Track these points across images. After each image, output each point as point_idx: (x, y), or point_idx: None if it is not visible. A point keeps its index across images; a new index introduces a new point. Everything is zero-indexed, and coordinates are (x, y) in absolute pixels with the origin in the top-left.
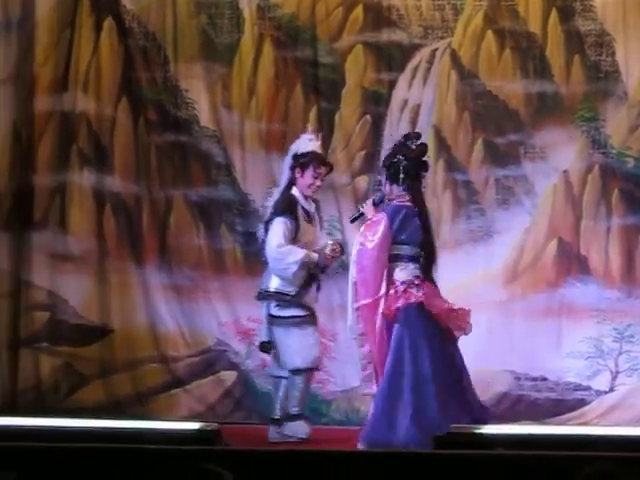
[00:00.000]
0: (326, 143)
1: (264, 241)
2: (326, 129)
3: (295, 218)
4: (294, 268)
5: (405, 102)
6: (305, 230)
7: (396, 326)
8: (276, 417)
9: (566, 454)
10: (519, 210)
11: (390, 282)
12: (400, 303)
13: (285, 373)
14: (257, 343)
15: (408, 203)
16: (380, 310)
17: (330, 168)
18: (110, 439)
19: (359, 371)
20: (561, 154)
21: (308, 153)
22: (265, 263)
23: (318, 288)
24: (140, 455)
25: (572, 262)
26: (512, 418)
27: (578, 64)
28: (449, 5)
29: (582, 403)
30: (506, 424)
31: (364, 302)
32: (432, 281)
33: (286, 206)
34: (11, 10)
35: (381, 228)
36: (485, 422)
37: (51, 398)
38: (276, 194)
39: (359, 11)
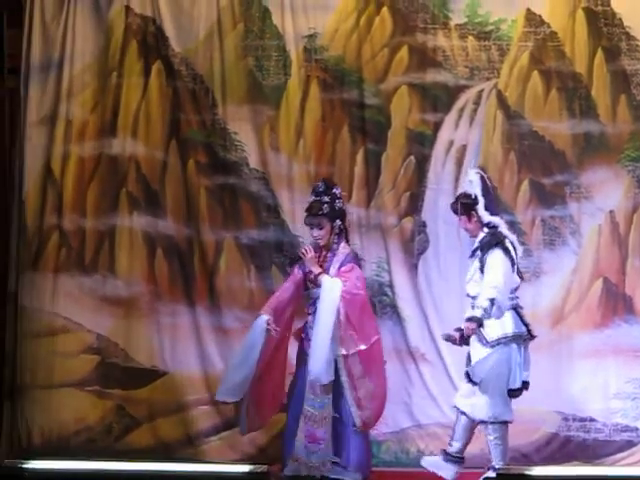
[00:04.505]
0: (373, 185)
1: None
2: (373, 171)
3: None
4: None
5: (451, 143)
6: None
7: None
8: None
9: None
10: (565, 251)
11: None
12: None
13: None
14: None
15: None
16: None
17: None
18: None
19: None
20: (607, 194)
21: None
22: None
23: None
24: None
25: (618, 302)
26: (561, 459)
27: (624, 104)
28: (495, 46)
29: (630, 444)
30: (555, 465)
31: (362, 348)
32: None
33: None
34: (50, 52)
35: (359, 274)
36: None
37: (103, 440)
38: None
39: (404, 52)
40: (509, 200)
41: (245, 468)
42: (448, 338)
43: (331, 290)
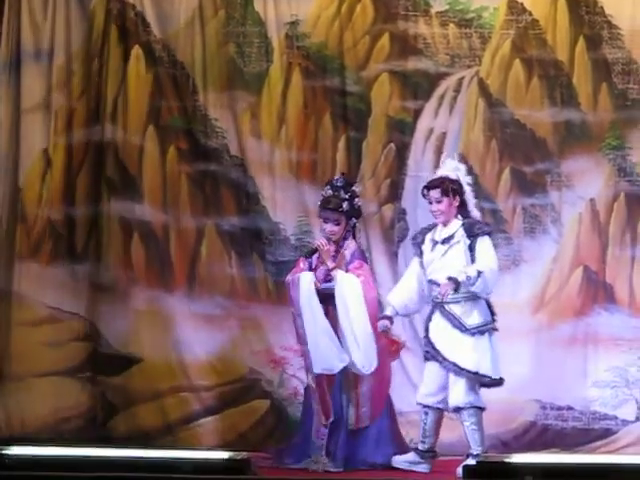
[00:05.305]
0: (355, 172)
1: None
2: (355, 158)
3: None
4: None
5: (431, 130)
6: None
7: None
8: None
9: None
10: (546, 239)
11: None
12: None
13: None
14: (290, 372)
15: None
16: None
17: None
18: (140, 469)
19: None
20: (588, 182)
21: None
22: None
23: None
24: None
25: (598, 291)
26: (539, 447)
27: (605, 92)
28: (476, 34)
29: (609, 432)
30: (534, 453)
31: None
32: None
33: None
34: (41, 40)
35: (369, 272)
36: None
37: (87, 427)
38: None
39: (385, 40)
40: (490, 188)
41: (225, 455)
42: (384, 329)
43: (351, 283)
